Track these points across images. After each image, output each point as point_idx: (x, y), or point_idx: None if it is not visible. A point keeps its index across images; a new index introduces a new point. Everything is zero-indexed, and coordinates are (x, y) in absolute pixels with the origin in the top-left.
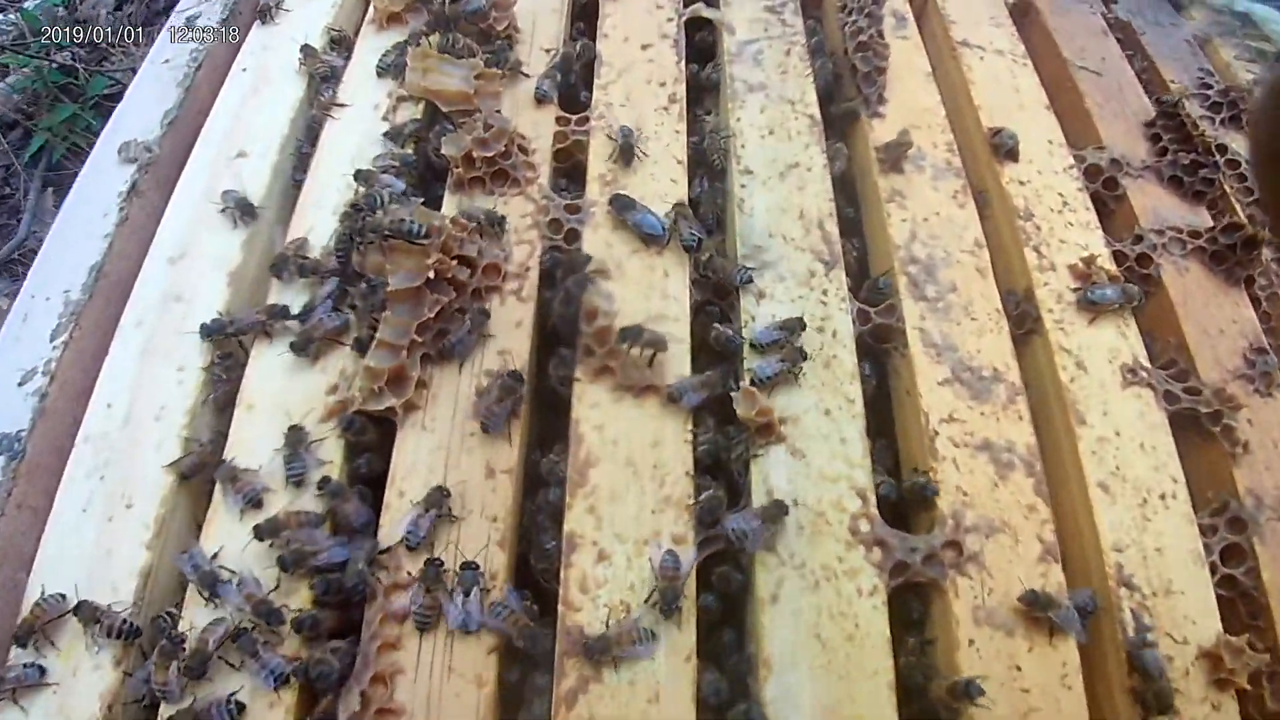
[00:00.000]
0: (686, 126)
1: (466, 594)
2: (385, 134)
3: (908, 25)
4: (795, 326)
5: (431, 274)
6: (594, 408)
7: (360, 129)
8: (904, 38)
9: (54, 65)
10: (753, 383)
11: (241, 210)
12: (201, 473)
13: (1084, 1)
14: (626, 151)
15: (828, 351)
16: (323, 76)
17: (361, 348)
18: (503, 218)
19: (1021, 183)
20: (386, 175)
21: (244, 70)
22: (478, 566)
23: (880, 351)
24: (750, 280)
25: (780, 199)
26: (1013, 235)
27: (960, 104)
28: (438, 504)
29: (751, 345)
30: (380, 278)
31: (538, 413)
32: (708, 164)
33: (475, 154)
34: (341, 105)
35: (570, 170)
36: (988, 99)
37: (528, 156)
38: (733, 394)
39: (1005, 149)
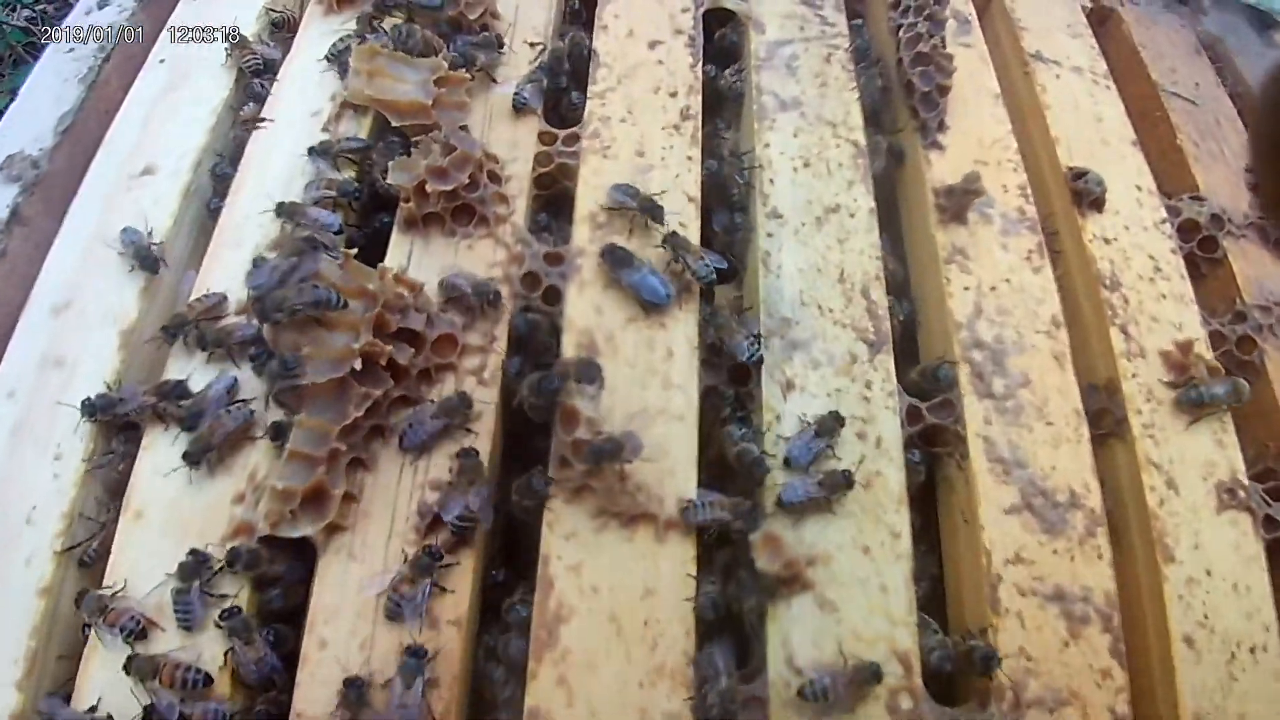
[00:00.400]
0: (701, 150)
1: (408, 686)
2: (314, 150)
3: (971, 30)
4: (831, 426)
5: (358, 362)
6: (569, 540)
7: (294, 143)
8: (967, 45)
9: (15, 26)
10: (778, 503)
11: (140, 259)
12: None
13: (1171, 11)
14: (652, 211)
15: (869, 466)
16: (254, 71)
17: (280, 435)
18: (497, 292)
19: (1107, 240)
20: (317, 210)
21: (161, 62)
22: (425, 654)
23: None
24: (759, 359)
25: (816, 255)
26: (1095, 309)
27: (1032, 134)
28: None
29: (788, 463)
30: (296, 357)
31: (502, 525)
32: (725, 197)
33: (431, 187)
34: (262, 122)
35: (554, 200)
36: (1065, 129)
37: (500, 186)
38: (750, 539)
39: (1090, 198)
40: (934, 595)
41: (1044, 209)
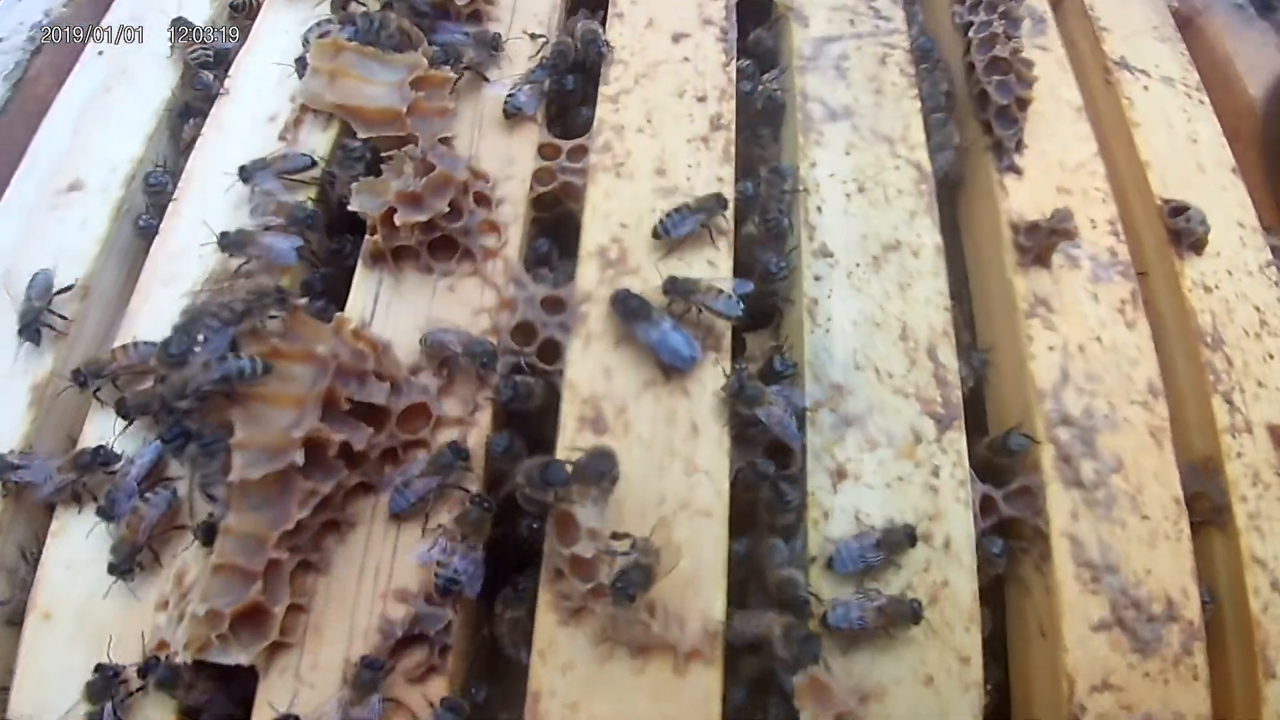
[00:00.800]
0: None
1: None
2: (246, 171)
3: (1047, 30)
4: (899, 542)
5: (300, 454)
6: (565, 673)
7: (247, 156)
8: (1042, 49)
9: None
10: (823, 623)
11: (22, 324)
12: None
13: (1259, 18)
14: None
15: (935, 574)
16: (201, 65)
17: (210, 538)
18: (494, 353)
19: (1207, 289)
20: (272, 236)
21: (99, 54)
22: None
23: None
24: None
25: (873, 305)
26: (1193, 372)
27: (1116, 157)
28: None
29: (830, 565)
30: (217, 440)
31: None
32: (763, 224)
33: (402, 218)
34: (197, 135)
35: (557, 228)
36: (1157, 152)
37: (489, 212)
38: (794, 682)
39: (1190, 238)
40: (998, 705)
41: (1131, 247)
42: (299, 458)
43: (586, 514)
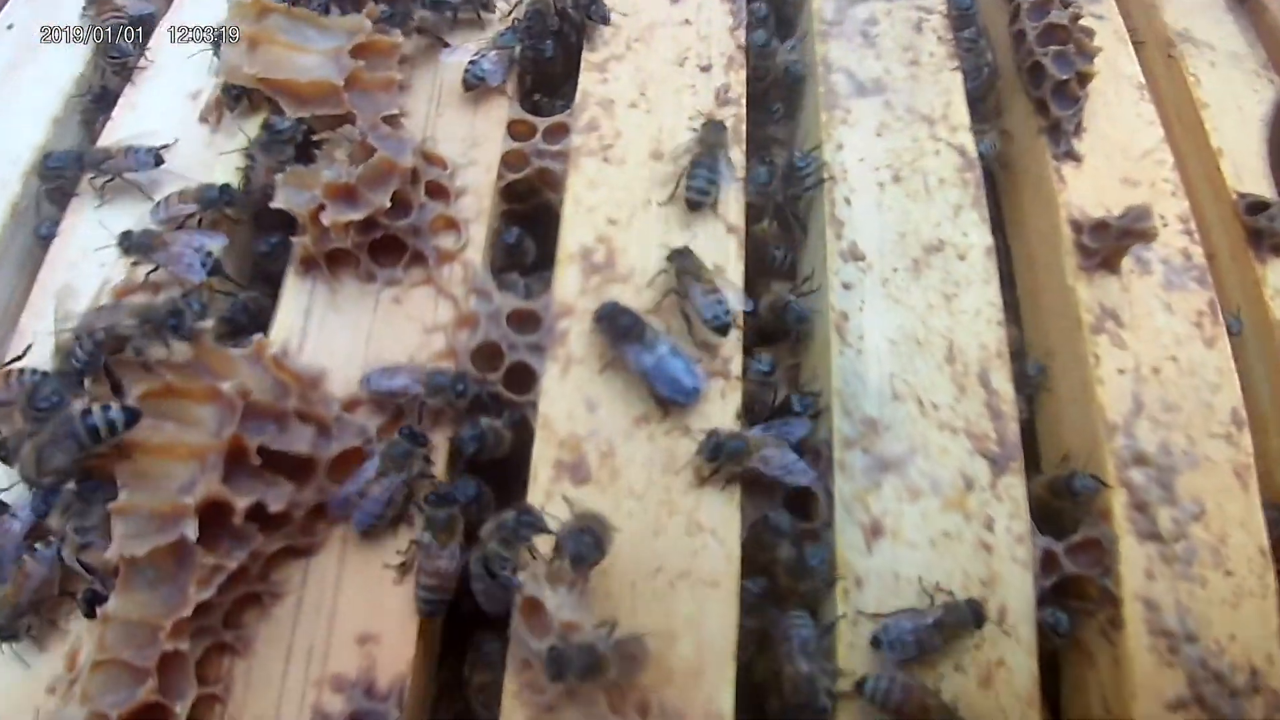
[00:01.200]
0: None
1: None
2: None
3: None
4: (964, 621)
5: (193, 527)
6: None
7: (167, 137)
8: (1098, 17)
9: None
10: (857, 689)
11: None
12: None
13: None
14: (720, 328)
15: (988, 652)
16: (116, 32)
17: (94, 609)
18: (462, 377)
19: None
20: (188, 237)
21: (9, 28)
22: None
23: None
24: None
25: (914, 319)
26: (1276, 396)
27: (1181, 143)
28: None
29: (876, 644)
30: (102, 483)
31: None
32: (781, 219)
33: (331, 217)
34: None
35: (530, 220)
36: (1229, 139)
37: (446, 205)
38: None
39: (1271, 239)
40: None
41: (1203, 248)
42: (191, 529)
43: (561, 601)
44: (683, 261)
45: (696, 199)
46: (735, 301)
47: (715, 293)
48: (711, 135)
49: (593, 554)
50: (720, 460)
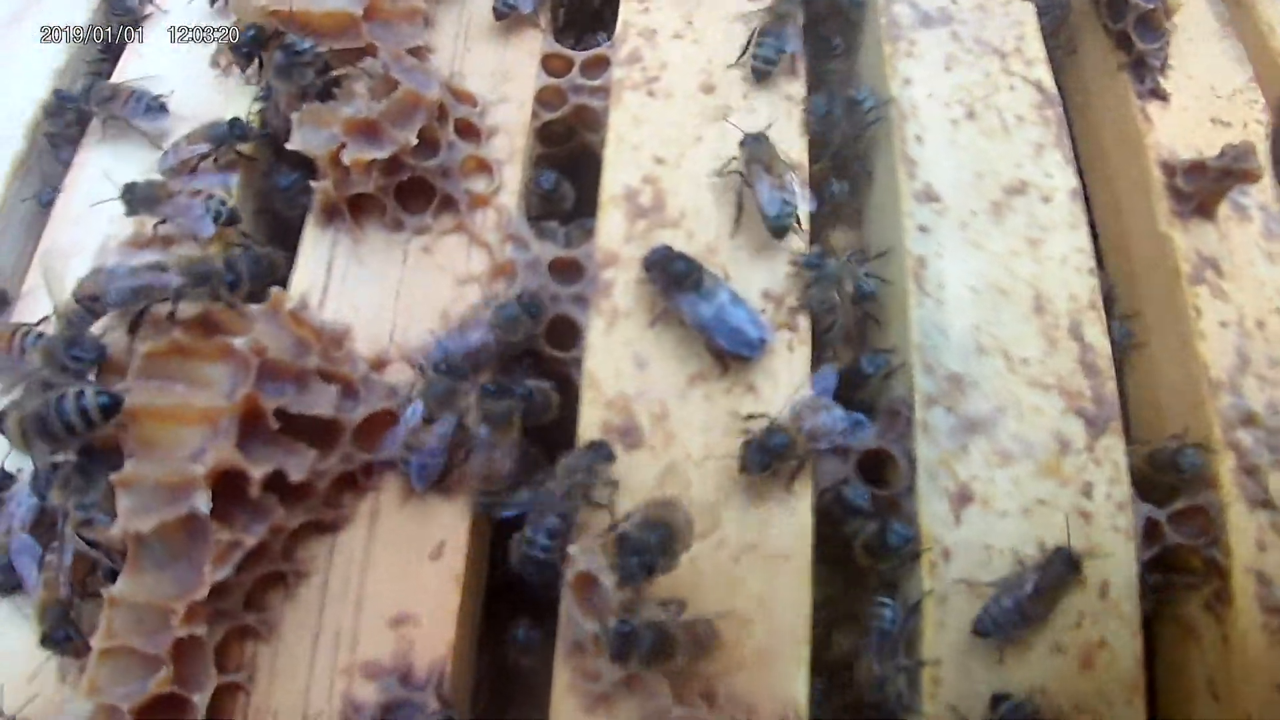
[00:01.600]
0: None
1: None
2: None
3: None
4: (1059, 572)
5: (204, 499)
6: None
7: (170, 85)
8: None
9: None
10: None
11: None
12: None
13: None
14: (780, 228)
15: (1089, 630)
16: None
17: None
18: (538, 307)
19: None
20: (200, 183)
21: None
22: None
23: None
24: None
25: (998, 267)
26: None
27: (1264, 83)
28: None
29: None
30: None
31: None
32: (841, 162)
33: (352, 155)
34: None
35: (569, 163)
36: None
37: (477, 145)
38: None
39: None
40: None
41: None
42: (202, 501)
43: (596, 565)
44: (755, 148)
45: (762, 67)
46: (801, 201)
47: (783, 188)
48: (782, 4)
49: (675, 546)
50: (767, 455)
